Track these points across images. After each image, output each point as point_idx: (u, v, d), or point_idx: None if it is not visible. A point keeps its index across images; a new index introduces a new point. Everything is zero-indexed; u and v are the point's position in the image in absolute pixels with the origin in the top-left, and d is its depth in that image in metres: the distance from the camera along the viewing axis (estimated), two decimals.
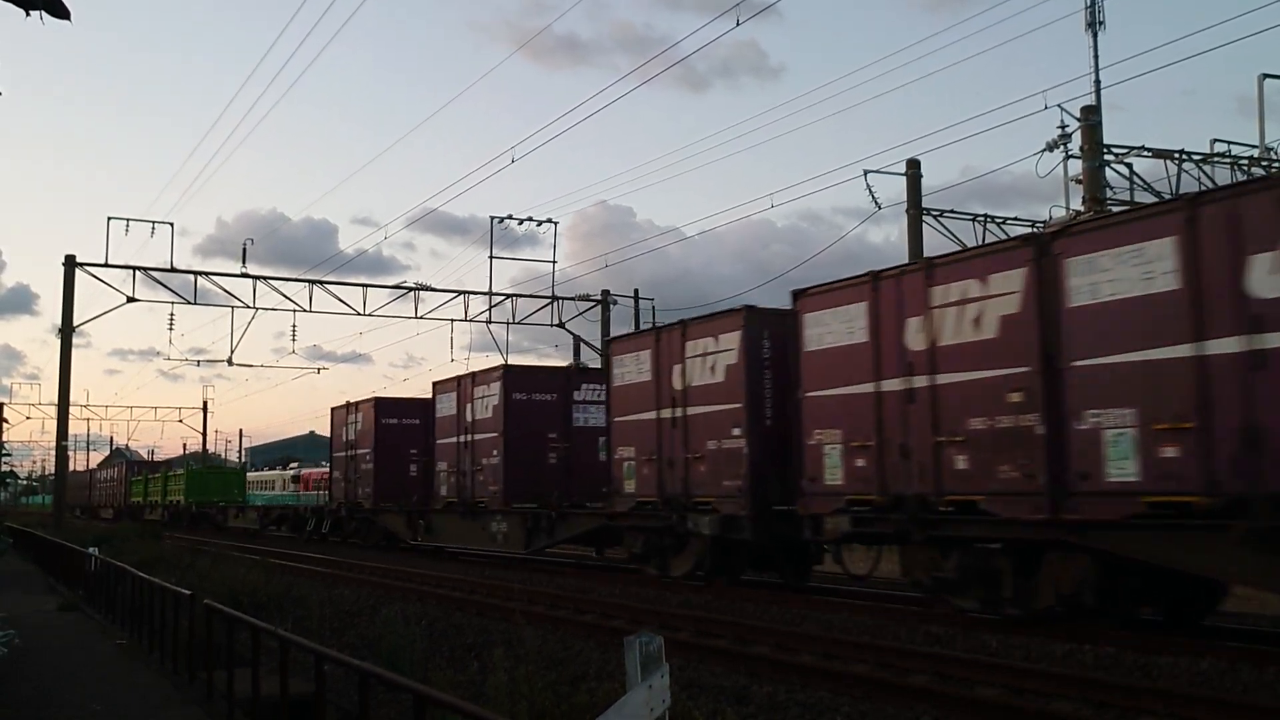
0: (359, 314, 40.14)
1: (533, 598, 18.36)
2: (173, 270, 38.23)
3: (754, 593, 18.71)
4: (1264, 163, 27.29)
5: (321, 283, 39.95)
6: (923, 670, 11.04)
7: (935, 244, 28.97)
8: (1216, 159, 27.22)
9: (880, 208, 29.74)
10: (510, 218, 40.53)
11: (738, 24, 21.82)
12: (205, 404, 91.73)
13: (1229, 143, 27.68)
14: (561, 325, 43.41)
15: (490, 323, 41.92)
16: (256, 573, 19.46)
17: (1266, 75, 27.41)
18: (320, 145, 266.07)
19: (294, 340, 59.58)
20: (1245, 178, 27.18)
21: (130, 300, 37.64)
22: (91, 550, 20.37)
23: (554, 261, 61.45)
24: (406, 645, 11.61)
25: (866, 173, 29.39)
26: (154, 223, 37.79)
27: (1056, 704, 9.41)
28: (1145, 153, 26.48)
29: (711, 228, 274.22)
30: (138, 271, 37.86)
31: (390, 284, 52.62)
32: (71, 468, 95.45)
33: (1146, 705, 9.12)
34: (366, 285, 40.50)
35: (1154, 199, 27.17)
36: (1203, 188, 27.01)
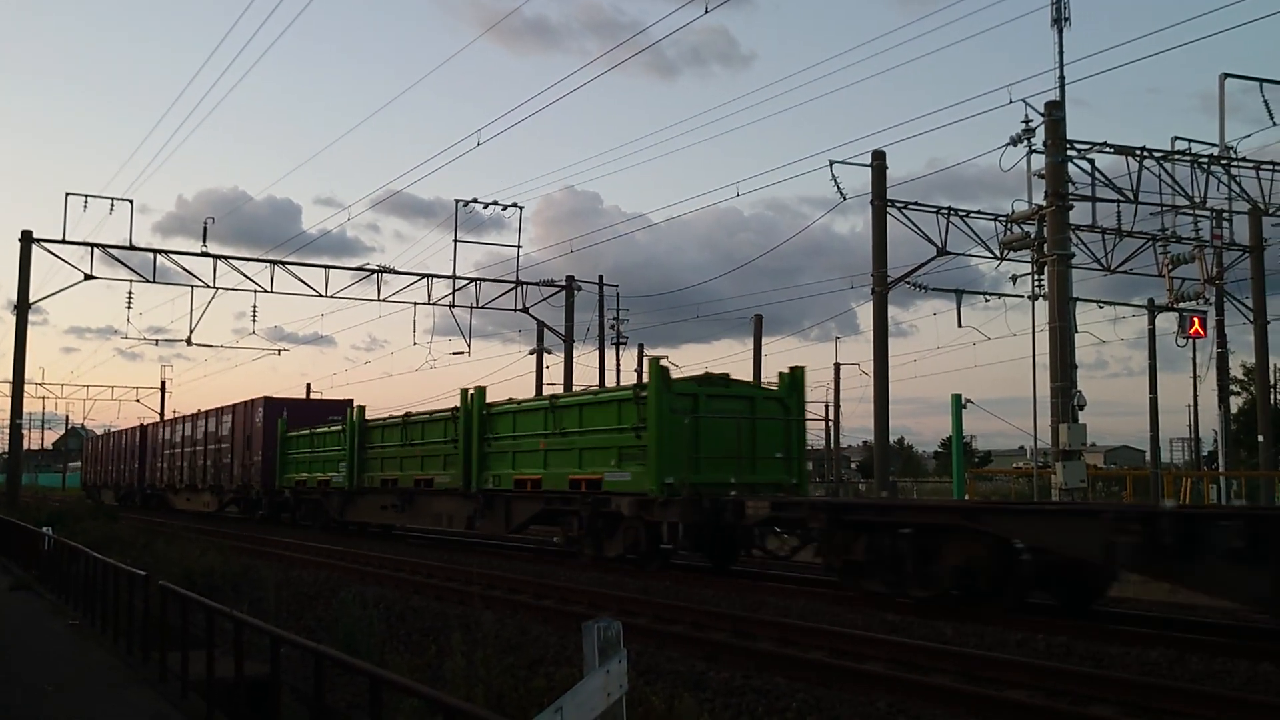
0: (321, 295, 39.77)
1: (491, 582, 18.33)
2: (132, 248, 37.72)
3: (714, 579, 18.79)
4: (1223, 161, 27.61)
5: (283, 263, 39.56)
6: (879, 657, 11.13)
7: (899, 236, 29.15)
8: (1177, 156, 27.50)
9: (845, 198, 29.84)
10: (475, 201, 40.34)
11: (706, 10, 21.80)
12: (163, 383, 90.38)
13: (1190, 140, 27.98)
14: (525, 310, 43.29)
15: (454, 306, 41.68)
16: (213, 554, 19.30)
17: (1227, 75, 27.72)
18: (284, 124, 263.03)
19: (254, 321, 58.40)
20: (1205, 175, 27.53)
21: (88, 277, 37.12)
22: (46, 530, 20.13)
23: (519, 246, 61.00)
24: (363, 628, 11.56)
25: (832, 163, 29.50)
26: (113, 199, 36.99)
27: (1010, 691, 9.51)
28: (1107, 149, 26.71)
29: (678, 215, 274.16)
30: (96, 249, 37.32)
31: (353, 266, 52.24)
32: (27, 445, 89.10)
33: (1098, 693, 9.24)
34: (329, 266, 40.14)
35: (1115, 195, 27.47)
36: (1162, 185, 27.33)
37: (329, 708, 8.46)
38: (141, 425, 59.56)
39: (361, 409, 32.90)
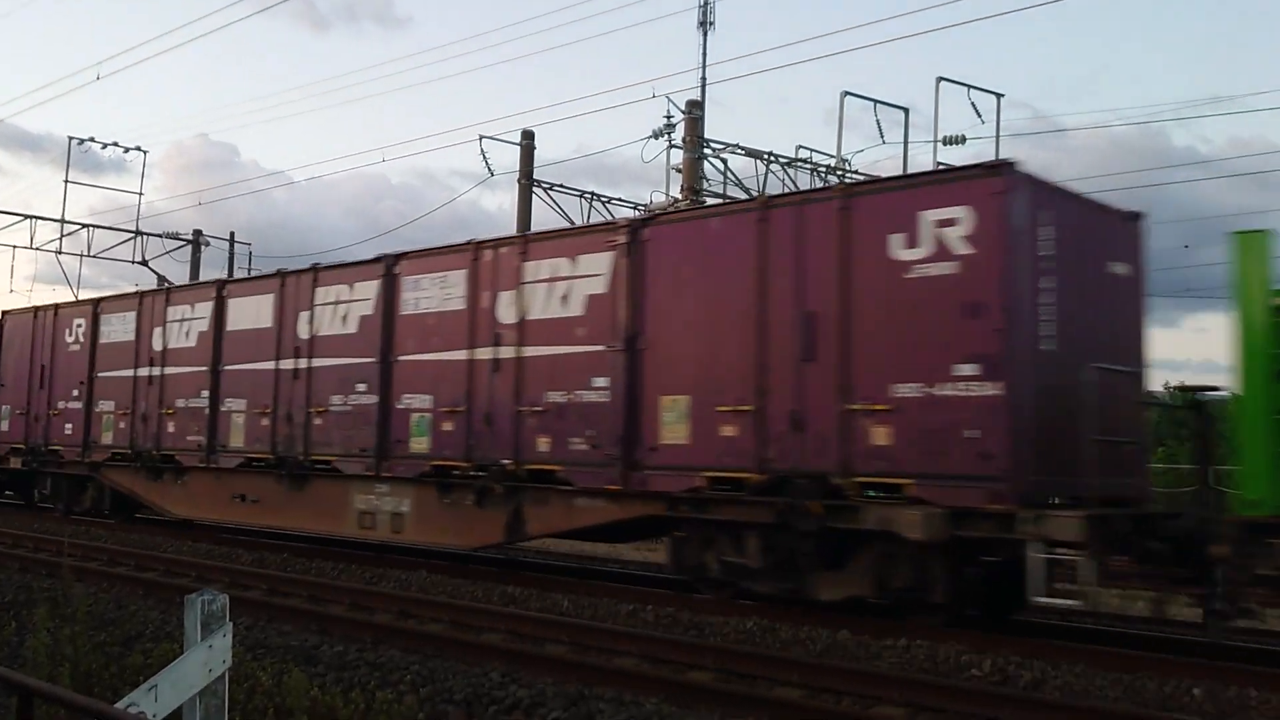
0: None
1: (88, 553, 17.02)
2: None
3: (334, 551, 18.38)
4: (839, 171, 30.01)
5: None
6: (496, 629, 11.33)
7: (544, 216, 29.63)
8: (799, 163, 29.59)
9: (493, 174, 30.00)
10: (93, 140, 37.16)
11: None
12: None
13: (811, 150, 30.14)
14: (145, 263, 40.31)
15: (60, 253, 38.17)
16: None
17: (847, 93, 30.10)
18: None
19: None
20: (822, 183, 29.85)
21: None
22: None
23: (140, 193, 56.52)
24: None
25: (482, 138, 29.57)
26: None
27: (620, 660, 9.95)
28: (739, 150, 28.33)
29: (321, 175, 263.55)
30: None
31: None
32: None
33: (697, 660, 9.85)
34: None
35: (744, 194, 29.23)
36: (785, 188, 29.37)
37: None
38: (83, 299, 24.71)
39: None
